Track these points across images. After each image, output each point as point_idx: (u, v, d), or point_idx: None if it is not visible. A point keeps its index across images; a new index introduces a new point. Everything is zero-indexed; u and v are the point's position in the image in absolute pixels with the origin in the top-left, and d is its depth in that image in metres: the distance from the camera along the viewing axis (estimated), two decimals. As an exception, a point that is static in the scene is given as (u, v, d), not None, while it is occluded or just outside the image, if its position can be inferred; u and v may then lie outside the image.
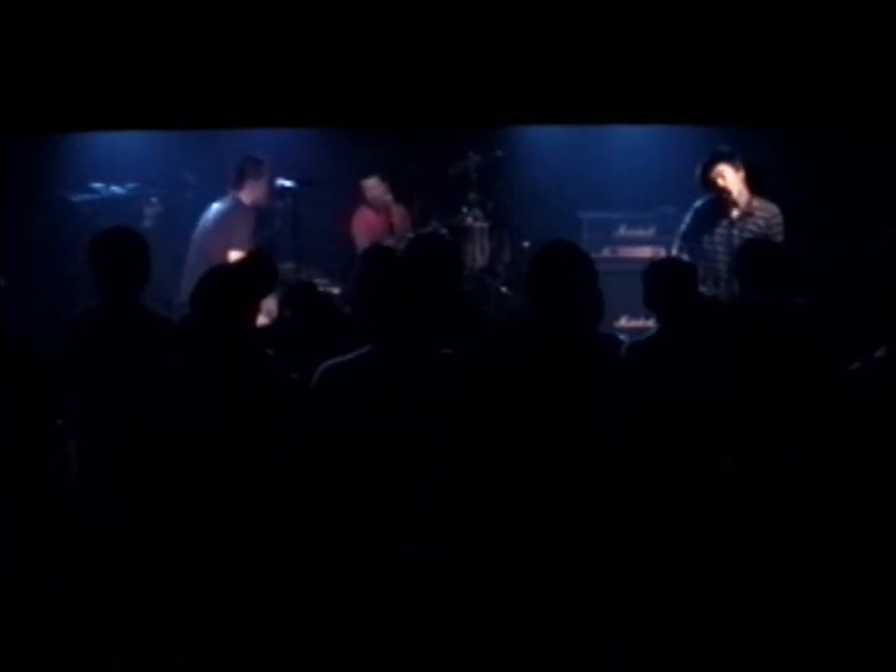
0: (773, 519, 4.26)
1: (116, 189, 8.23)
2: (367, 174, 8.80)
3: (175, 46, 6.85)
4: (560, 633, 4.07)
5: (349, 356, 4.28)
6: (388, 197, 8.83)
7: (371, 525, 4.12)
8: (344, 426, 4.20)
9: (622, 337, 5.19)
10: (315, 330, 5.21)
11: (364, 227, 8.81)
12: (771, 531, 4.23)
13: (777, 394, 4.40)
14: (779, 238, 6.93)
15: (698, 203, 7.26)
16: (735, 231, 6.96)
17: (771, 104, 6.96)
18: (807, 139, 7.88)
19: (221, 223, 7.76)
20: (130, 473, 4.47)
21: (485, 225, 8.69)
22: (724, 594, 4.18)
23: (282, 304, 5.64)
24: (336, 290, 8.17)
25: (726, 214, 7.07)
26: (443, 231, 8.31)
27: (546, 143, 8.94)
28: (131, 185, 8.28)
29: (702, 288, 6.74)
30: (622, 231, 8.71)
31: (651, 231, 8.62)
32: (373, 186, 8.80)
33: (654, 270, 5.18)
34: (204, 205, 7.97)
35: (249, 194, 7.88)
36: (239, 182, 7.86)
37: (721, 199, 7.08)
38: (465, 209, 8.66)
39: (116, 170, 8.35)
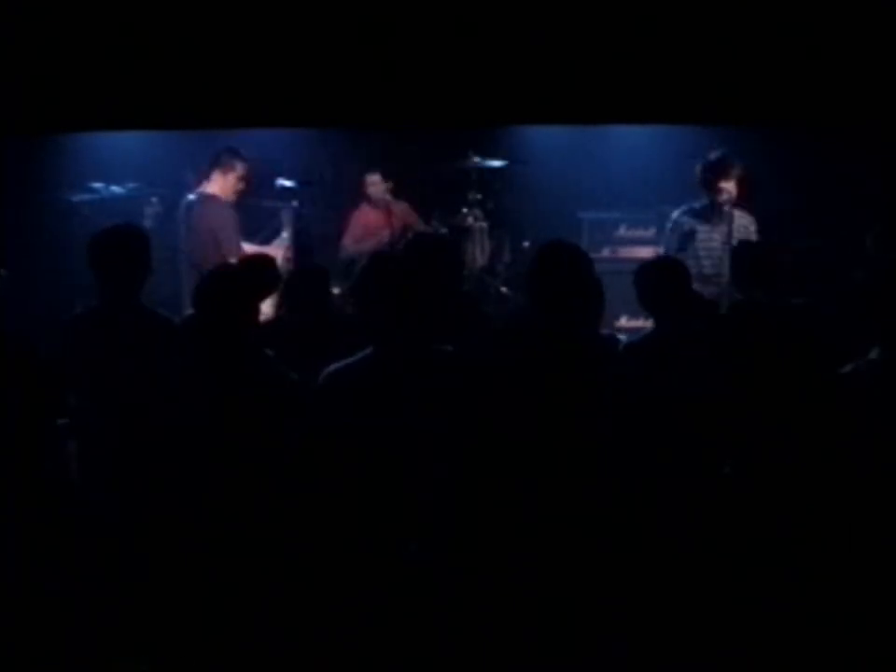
0: (772, 518, 4.26)
1: (116, 188, 8.22)
2: (370, 169, 8.80)
3: (175, 46, 6.85)
4: (560, 633, 4.07)
5: (352, 358, 4.28)
6: (388, 197, 8.83)
7: (371, 524, 4.12)
8: (345, 426, 4.20)
9: (621, 337, 5.19)
10: (315, 330, 5.21)
11: (362, 224, 8.82)
12: (770, 531, 4.24)
13: (777, 394, 4.40)
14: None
15: (676, 215, 7.25)
16: (717, 236, 7.00)
17: (771, 104, 6.96)
18: (807, 139, 7.88)
19: (200, 223, 7.63)
20: (130, 473, 4.47)
21: (485, 225, 8.69)
22: (724, 593, 4.18)
23: (283, 293, 5.61)
24: (336, 290, 8.18)
25: (708, 219, 7.11)
26: (443, 230, 8.32)
27: (546, 143, 8.94)
28: (131, 185, 8.27)
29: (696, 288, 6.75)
30: (622, 231, 8.71)
31: (650, 231, 8.62)
32: (375, 182, 8.80)
33: (646, 270, 5.18)
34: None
35: (216, 187, 7.65)
36: (207, 174, 7.66)
37: (717, 204, 7.09)
38: (465, 209, 8.66)
39: (116, 170, 8.34)
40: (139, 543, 4.11)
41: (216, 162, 7.71)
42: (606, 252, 8.53)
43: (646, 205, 8.60)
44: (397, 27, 6.86)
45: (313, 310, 5.35)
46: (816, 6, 6.85)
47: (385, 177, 8.79)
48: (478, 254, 8.64)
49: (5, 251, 7.52)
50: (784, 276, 5.61)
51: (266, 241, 8.07)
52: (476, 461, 4.17)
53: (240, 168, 7.70)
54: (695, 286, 6.68)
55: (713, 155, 7.14)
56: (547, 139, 8.90)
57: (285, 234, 8.06)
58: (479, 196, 8.71)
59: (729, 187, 7.07)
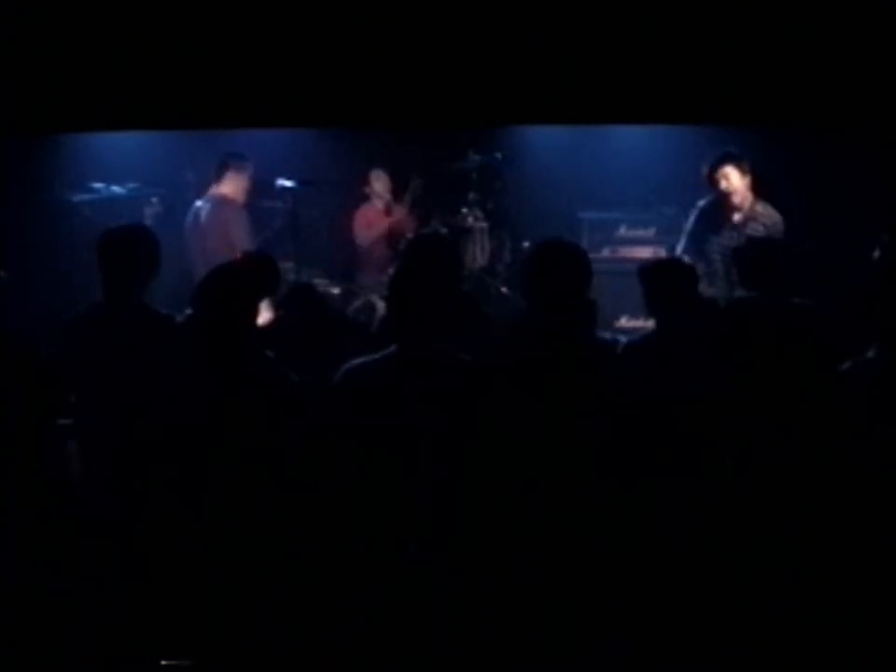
0: (771, 518, 4.26)
1: (116, 188, 8.23)
2: (375, 166, 8.81)
3: (175, 46, 6.84)
4: (560, 633, 4.07)
5: (371, 356, 4.29)
6: (388, 196, 8.84)
7: (371, 524, 4.12)
8: (345, 426, 4.21)
9: (621, 338, 5.18)
10: (314, 332, 5.21)
11: (364, 224, 8.82)
12: (769, 530, 4.24)
13: (777, 393, 4.40)
14: None
15: (702, 203, 7.26)
16: (736, 235, 6.96)
17: (771, 104, 6.95)
18: (807, 139, 7.88)
19: (212, 225, 7.71)
20: (130, 473, 4.47)
21: (485, 225, 8.69)
22: (724, 593, 4.18)
23: (278, 306, 5.64)
24: (336, 290, 8.18)
25: (728, 217, 7.08)
26: (443, 230, 8.32)
27: (546, 143, 8.93)
28: (131, 185, 8.28)
29: (701, 288, 6.75)
30: (622, 231, 8.70)
31: (650, 231, 8.62)
32: (380, 178, 8.81)
33: (651, 269, 5.17)
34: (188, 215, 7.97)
35: (229, 189, 7.78)
36: (219, 176, 7.80)
37: (724, 200, 7.09)
38: (465, 209, 8.66)
39: (116, 170, 8.34)
40: (139, 543, 4.11)
41: (227, 164, 7.76)
42: (606, 252, 8.53)
43: (646, 205, 8.60)
44: (397, 27, 6.85)
45: (311, 310, 5.36)
46: (816, 6, 6.84)
47: (389, 175, 8.80)
48: (478, 254, 8.64)
49: (5, 251, 7.52)
50: (785, 276, 5.61)
51: (267, 242, 8.07)
52: (476, 461, 4.17)
53: (249, 169, 7.79)
54: (707, 284, 6.71)
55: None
56: (547, 139, 8.90)
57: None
58: (479, 196, 8.71)
59: (723, 174, 7.05)
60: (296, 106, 7.05)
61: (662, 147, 8.49)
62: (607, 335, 5.02)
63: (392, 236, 8.59)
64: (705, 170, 7.14)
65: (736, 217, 7.06)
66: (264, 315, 6.78)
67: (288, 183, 8.09)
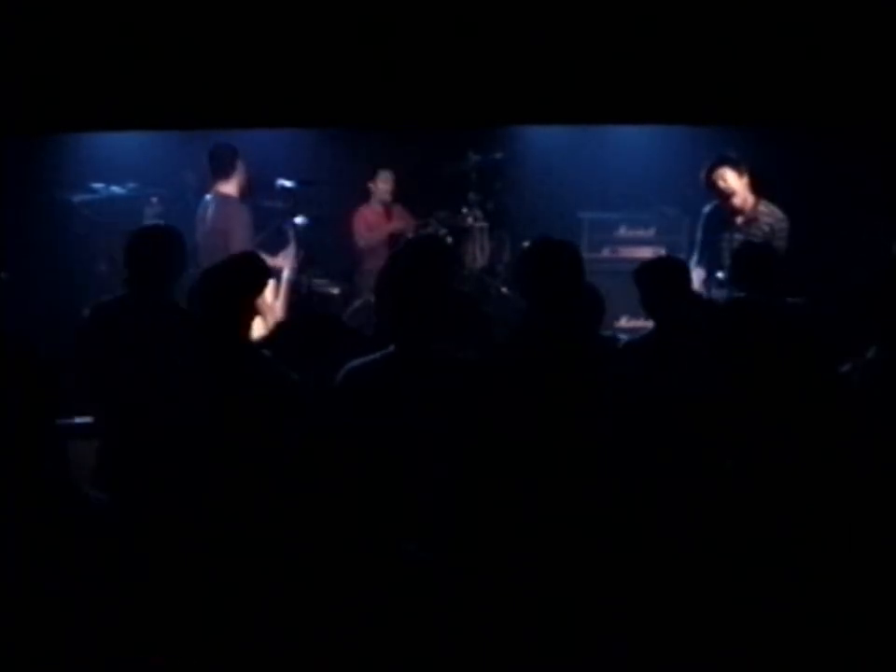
0: (771, 518, 4.26)
1: (116, 188, 8.24)
2: (381, 167, 8.80)
3: (175, 46, 6.84)
4: (560, 633, 4.07)
5: (371, 357, 4.29)
6: (388, 198, 8.84)
7: (371, 524, 4.12)
8: (347, 425, 4.21)
9: (622, 336, 5.19)
10: (315, 330, 5.21)
11: (364, 225, 8.82)
12: (770, 530, 4.24)
13: (777, 394, 4.40)
14: (782, 243, 6.92)
15: (706, 209, 7.26)
16: (740, 237, 6.96)
17: (771, 104, 6.96)
18: (807, 139, 7.88)
19: (216, 224, 7.64)
20: (130, 473, 4.47)
21: (485, 225, 8.70)
22: (724, 594, 4.18)
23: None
24: (336, 290, 8.19)
25: (731, 219, 7.08)
26: (443, 231, 8.32)
27: (546, 143, 8.94)
28: (131, 185, 8.29)
29: (703, 290, 6.75)
30: (622, 231, 8.71)
31: (650, 231, 8.63)
32: (386, 180, 8.81)
33: (646, 269, 5.18)
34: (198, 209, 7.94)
35: (235, 185, 7.66)
36: (225, 173, 7.62)
37: (724, 202, 7.09)
38: (465, 209, 8.66)
39: (116, 170, 8.35)
40: (139, 543, 4.11)
41: (232, 163, 7.66)
42: (606, 252, 8.55)
43: (646, 205, 8.61)
44: (397, 27, 6.86)
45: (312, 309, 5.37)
46: (816, 6, 6.84)
47: (393, 176, 8.81)
48: (478, 254, 8.65)
49: (5, 251, 7.53)
50: (780, 277, 5.62)
51: (266, 242, 8.07)
52: (476, 461, 4.17)
53: (245, 168, 7.73)
54: (717, 286, 6.70)
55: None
56: (547, 139, 8.91)
57: (290, 248, 8.02)
58: (479, 196, 8.72)
59: (719, 175, 7.06)
60: (296, 106, 7.05)
61: (662, 147, 8.50)
62: (607, 333, 5.03)
63: (393, 238, 8.59)
64: (702, 174, 7.14)
65: (739, 219, 7.05)
66: (277, 312, 6.80)
67: (288, 183, 8.10)
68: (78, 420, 5.04)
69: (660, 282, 5.05)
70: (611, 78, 6.92)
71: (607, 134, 8.79)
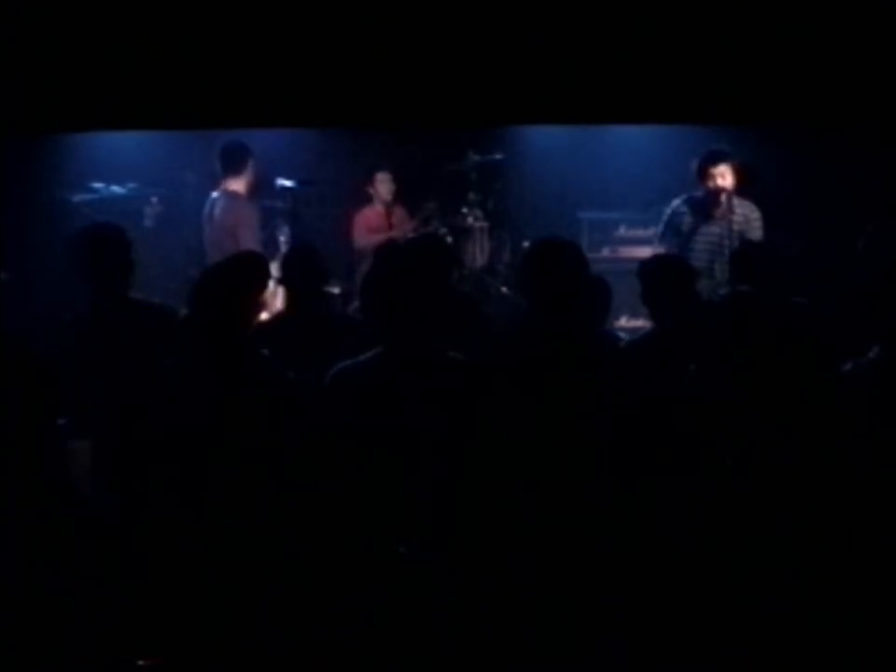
0: (772, 518, 4.25)
1: (116, 188, 8.23)
2: (381, 167, 8.79)
3: (175, 46, 6.84)
4: (560, 633, 4.07)
5: (359, 358, 4.28)
6: (389, 199, 8.84)
7: (371, 524, 4.12)
8: (346, 426, 4.20)
9: (621, 335, 5.18)
10: (315, 330, 5.20)
11: (364, 226, 8.82)
12: (770, 530, 4.23)
13: (777, 394, 4.40)
14: (758, 234, 6.97)
15: (675, 204, 7.23)
16: (717, 230, 6.99)
17: (771, 104, 6.96)
18: (807, 139, 7.88)
19: (224, 221, 7.61)
20: (130, 473, 4.47)
21: (485, 225, 8.70)
22: (724, 593, 4.17)
23: (283, 267, 5.60)
24: (336, 290, 8.18)
25: (709, 213, 7.09)
26: (443, 230, 8.32)
27: (546, 143, 8.94)
28: (131, 185, 8.28)
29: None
30: (622, 231, 8.72)
31: (650, 231, 8.61)
32: (386, 180, 8.80)
33: (649, 265, 5.17)
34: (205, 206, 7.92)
35: (244, 183, 7.60)
36: (236, 170, 7.55)
37: (713, 198, 7.09)
38: (465, 209, 8.66)
39: (116, 170, 8.34)
40: (139, 543, 4.11)
41: (244, 161, 7.62)
42: (606, 252, 8.55)
43: (646, 205, 8.61)
44: (397, 27, 6.86)
45: (311, 307, 5.34)
46: (816, 6, 6.84)
47: (393, 176, 8.79)
48: (478, 254, 8.65)
49: (5, 251, 7.52)
50: (778, 276, 5.62)
51: (266, 243, 8.05)
52: (476, 461, 4.17)
53: (254, 167, 7.70)
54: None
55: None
56: (547, 139, 8.91)
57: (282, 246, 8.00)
58: (479, 196, 8.71)
59: (719, 172, 7.06)
60: (296, 106, 7.05)
61: (661, 147, 8.50)
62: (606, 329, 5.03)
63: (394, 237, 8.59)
64: (695, 164, 7.12)
65: (717, 211, 7.07)
66: (277, 305, 6.79)
67: (288, 183, 8.09)
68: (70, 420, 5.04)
69: (663, 279, 5.05)
70: (611, 78, 6.92)
71: (607, 134, 8.79)
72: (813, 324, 5.31)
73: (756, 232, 6.98)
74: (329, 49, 6.88)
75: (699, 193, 7.20)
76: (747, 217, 7.05)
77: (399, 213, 8.84)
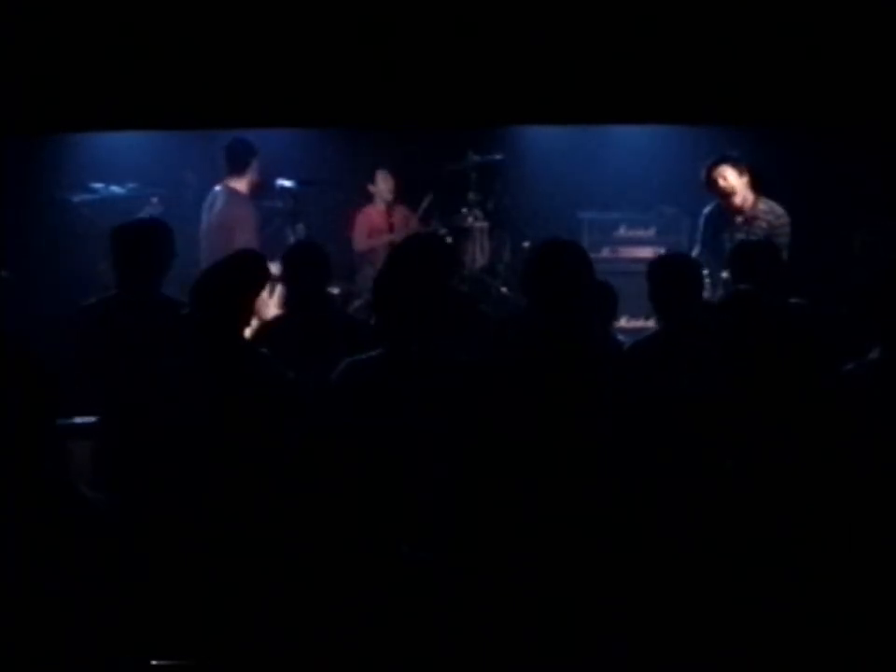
0: (772, 519, 4.26)
1: (116, 188, 8.23)
2: (380, 167, 8.80)
3: (175, 46, 6.84)
4: (560, 633, 4.07)
5: (359, 357, 4.29)
6: (390, 197, 8.83)
7: (371, 524, 4.12)
8: (346, 425, 4.21)
9: (621, 338, 5.18)
10: (315, 330, 5.20)
11: (366, 225, 8.82)
12: (770, 531, 4.23)
13: (777, 394, 4.40)
14: (783, 240, 6.93)
15: (707, 209, 7.25)
16: (742, 236, 6.95)
17: (771, 104, 6.96)
18: (807, 139, 7.88)
19: (222, 218, 7.62)
20: (130, 473, 4.47)
21: (485, 225, 8.70)
22: (724, 594, 4.17)
23: (284, 264, 5.59)
24: (336, 290, 8.18)
25: (732, 218, 7.08)
26: (443, 230, 8.32)
27: (546, 143, 8.94)
28: (131, 185, 8.28)
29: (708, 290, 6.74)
30: (622, 231, 8.71)
31: (651, 231, 8.63)
32: (385, 179, 8.80)
33: (659, 265, 5.16)
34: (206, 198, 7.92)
35: (246, 181, 7.65)
36: (239, 168, 7.61)
37: (725, 201, 7.09)
38: (465, 209, 8.66)
39: (116, 170, 8.34)
40: (139, 543, 4.11)
41: (247, 160, 7.63)
42: (606, 252, 8.54)
43: (646, 205, 8.61)
44: (397, 27, 6.86)
45: (311, 306, 5.34)
46: (816, 6, 6.84)
47: (392, 175, 8.79)
48: (478, 254, 8.65)
49: (5, 251, 7.52)
50: (779, 272, 5.61)
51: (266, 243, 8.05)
52: (476, 461, 4.17)
53: (258, 167, 7.70)
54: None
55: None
56: (547, 139, 8.91)
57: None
58: (479, 196, 8.71)
59: (719, 173, 7.06)
60: (296, 106, 7.05)
61: (662, 147, 8.49)
62: (614, 335, 5.02)
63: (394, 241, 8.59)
64: (703, 174, 7.15)
65: (739, 218, 7.05)
66: (272, 311, 6.78)
67: (288, 183, 8.09)
68: (78, 420, 5.04)
69: (672, 279, 5.03)
70: (611, 78, 6.92)
71: (607, 134, 8.78)
72: (813, 324, 5.31)
73: (782, 238, 6.93)
74: (329, 48, 6.88)
75: (712, 206, 7.21)
76: (771, 223, 7.00)
77: (400, 212, 8.84)
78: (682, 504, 4.29)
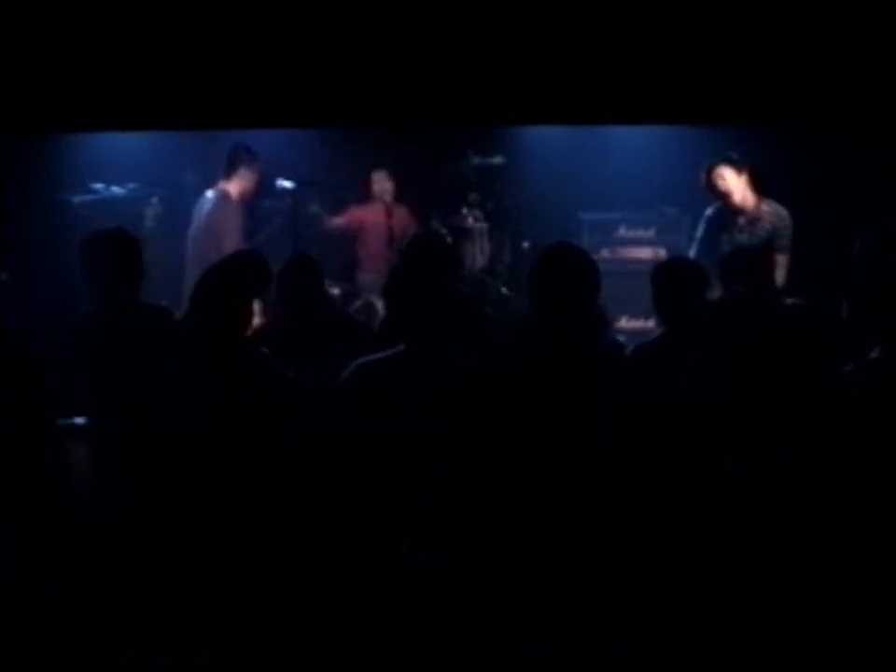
0: (772, 519, 4.26)
1: (116, 189, 8.22)
2: (377, 167, 8.81)
3: (175, 46, 6.84)
4: (560, 633, 4.07)
5: (377, 355, 4.29)
6: (390, 197, 8.83)
7: (371, 524, 4.12)
8: (346, 425, 4.20)
9: (621, 339, 5.17)
10: (315, 330, 5.20)
11: (358, 215, 8.83)
12: (770, 531, 4.24)
13: (777, 394, 4.40)
14: (786, 241, 6.94)
15: (709, 211, 7.25)
16: (744, 237, 6.95)
17: (771, 104, 6.95)
18: (807, 139, 7.88)
19: (209, 220, 7.67)
20: (130, 473, 4.47)
21: (485, 225, 8.70)
22: (724, 593, 4.18)
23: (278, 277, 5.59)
24: (336, 290, 8.18)
25: (734, 220, 7.08)
26: (443, 231, 8.32)
27: (546, 143, 8.93)
28: (131, 185, 8.27)
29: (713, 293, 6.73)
30: (622, 231, 8.71)
31: (651, 232, 8.62)
32: (382, 179, 8.81)
33: (662, 269, 5.15)
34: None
35: (237, 185, 7.68)
36: (230, 171, 7.70)
37: (724, 201, 7.09)
38: (465, 209, 8.66)
39: (116, 170, 8.34)
40: (139, 543, 4.11)
41: (239, 159, 7.66)
42: (606, 252, 8.53)
43: (646, 205, 8.61)
44: (397, 27, 6.85)
45: (308, 306, 5.34)
46: (816, 6, 6.84)
47: (391, 175, 8.80)
48: (478, 254, 8.65)
49: (5, 251, 7.52)
50: (767, 279, 5.62)
51: (266, 242, 8.06)
52: (476, 461, 4.17)
53: (258, 168, 7.73)
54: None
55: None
56: (547, 139, 8.90)
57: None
58: (479, 196, 8.71)
59: (718, 174, 7.06)
60: (296, 106, 7.04)
61: (662, 147, 8.49)
62: (616, 336, 5.02)
63: (394, 238, 8.59)
64: (702, 177, 7.15)
65: (741, 219, 7.05)
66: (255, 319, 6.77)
67: (288, 183, 8.09)
68: (78, 420, 5.05)
69: (674, 282, 5.03)
70: (611, 78, 6.92)
71: (607, 135, 8.78)
72: (813, 324, 5.31)
73: (784, 240, 6.94)
74: (329, 49, 6.88)
75: (713, 208, 7.21)
76: (774, 225, 7.01)
77: (401, 213, 8.84)
78: (682, 504, 4.29)
